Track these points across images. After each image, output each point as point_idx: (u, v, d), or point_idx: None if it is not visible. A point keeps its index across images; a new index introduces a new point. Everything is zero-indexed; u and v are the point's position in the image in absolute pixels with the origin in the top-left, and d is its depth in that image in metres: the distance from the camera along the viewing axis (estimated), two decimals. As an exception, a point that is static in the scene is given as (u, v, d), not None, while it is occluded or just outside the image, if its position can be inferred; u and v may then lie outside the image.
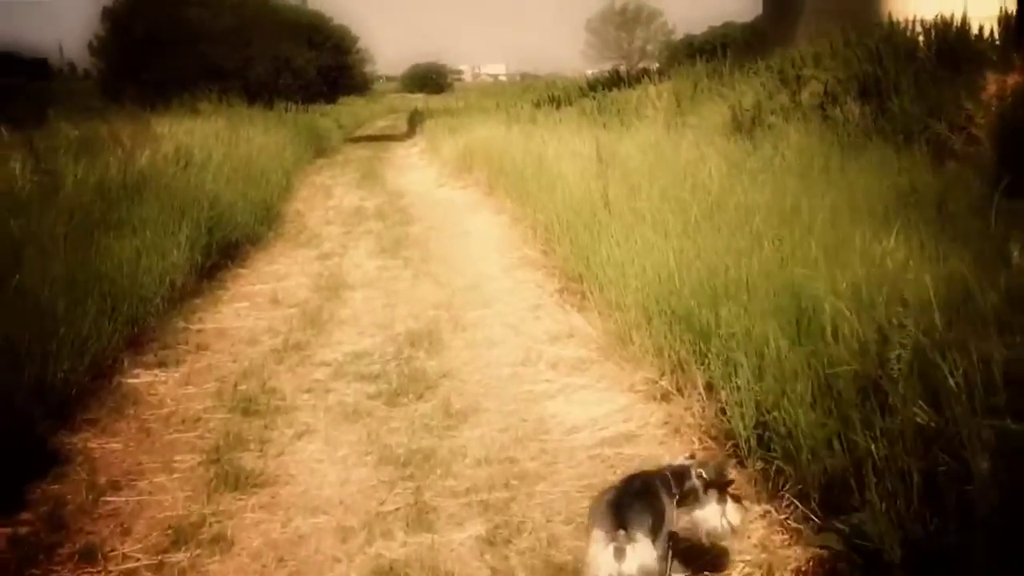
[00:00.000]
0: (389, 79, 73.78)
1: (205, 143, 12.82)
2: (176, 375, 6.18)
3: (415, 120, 28.48)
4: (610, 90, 22.66)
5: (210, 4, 36.29)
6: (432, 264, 9.33)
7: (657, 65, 59.06)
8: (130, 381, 6.03)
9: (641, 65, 57.74)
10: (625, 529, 2.75)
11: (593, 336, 6.36)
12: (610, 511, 2.83)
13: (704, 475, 3.14)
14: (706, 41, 65.44)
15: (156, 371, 6.25)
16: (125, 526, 4.04)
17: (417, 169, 18.81)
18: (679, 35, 60.39)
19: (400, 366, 6.17)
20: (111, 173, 9.10)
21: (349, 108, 39.96)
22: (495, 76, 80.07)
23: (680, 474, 3.14)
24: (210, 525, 4.00)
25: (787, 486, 3.72)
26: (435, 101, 43.42)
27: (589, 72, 65.52)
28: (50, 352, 5.28)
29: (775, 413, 3.86)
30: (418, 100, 53.61)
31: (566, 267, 7.76)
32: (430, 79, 70.28)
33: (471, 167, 15.43)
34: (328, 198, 15.10)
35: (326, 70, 40.41)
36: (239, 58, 34.86)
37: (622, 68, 61.94)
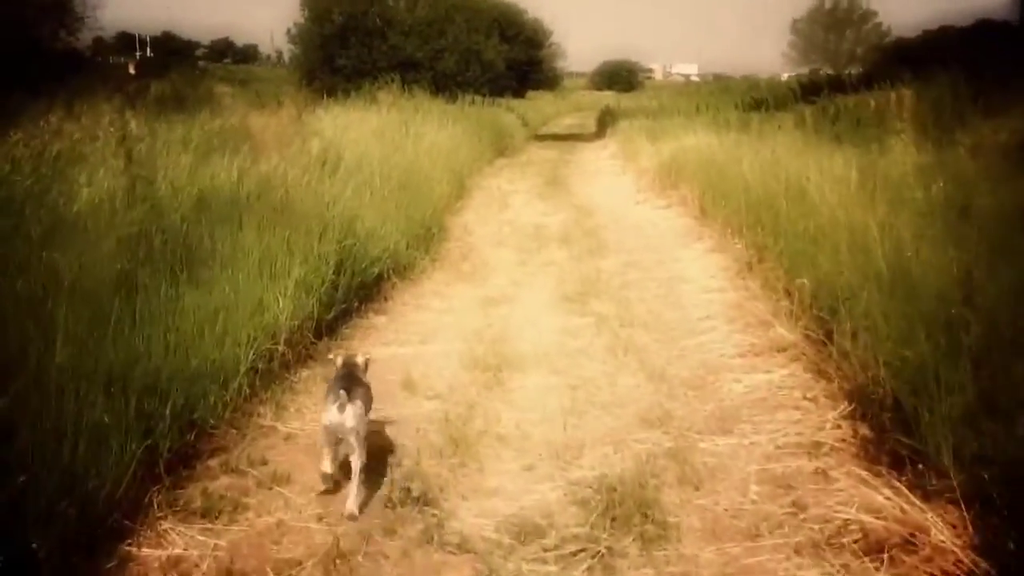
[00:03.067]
0: (578, 75, 71.02)
1: (362, 141, 10.36)
2: (223, 544, 3.55)
3: (605, 120, 25.51)
4: (830, 95, 18.96)
5: (407, -4, 34.82)
6: (636, 331, 6.38)
7: (860, 70, 53.64)
8: (147, 553, 3.46)
9: (848, 70, 52.41)
10: (348, 395, 3.85)
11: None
12: (338, 386, 3.94)
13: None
14: (919, 47, 59.26)
15: (195, 531, 3.65)
16: None
17: (608, 177, 15.83)
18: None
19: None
20: (218, 182, 6.66)
21: (536, 103, 37.46)
22: (686, 76, 75.65)
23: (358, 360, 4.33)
24: None
25: None
26: (625, 100, 40.22)
27: (785, 75, 60.49)
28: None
29: None
30: (607, 98, 50.61)
31: (867, 382, 4.58)
32: (620, 76, 66.89)
33: (675, 182, 12.35)
34: (504, 209, 12.40)
35: (516, 64, 38.21)
36: (430, 49, 33.23)
37: (823, 72, 56.84)
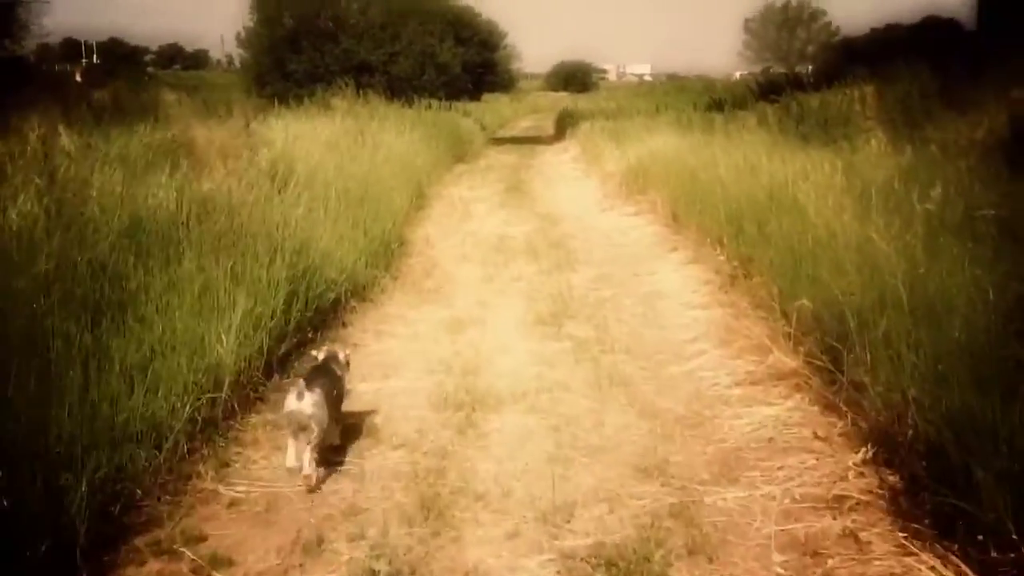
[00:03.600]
0: (533, 76, 70.51)
1: (316, 151, 9.68)
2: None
3: (564, 122, 24.97)
4: (791, 93, 18.64)
5: (360, -2, 34.06)
6: (618, 358, 5.80)
7: (811, 67, 53.87)
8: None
9: (799, 68, 52.54)
10: (307, 385, 4.06)
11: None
12: (302, 378, 4.19)
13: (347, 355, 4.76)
14: (866, 45, 59.68)
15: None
16: None
17: (572, 182, 15.27)
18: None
19: None
20: (155, 203, 5.95)
21: (493, 106, 36.88)
22: (640, 76, 75.51)
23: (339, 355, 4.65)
24: None
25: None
26: (582, 101, 39.78)
27: (737, 74, 60.53)
28: None
29: None
30: (564, 99, 50.18)
31: (891, 421, 4.03)
32: (575, 77, 66.50)
33: (643, 187, 11.83)
34: (466, 219, 11.77)
35: (472, 66, 37.54)
36: (384, 53, 32.50)
37: (773, 70, 56.94)
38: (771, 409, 4.74)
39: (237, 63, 39.59)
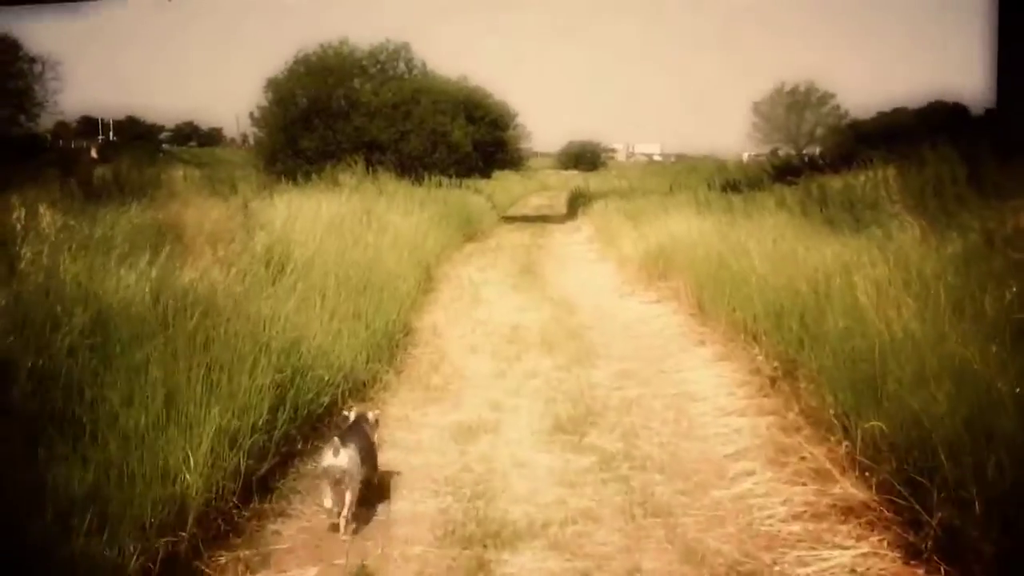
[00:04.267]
0: (543, 155, 70.81)
1: (318, 233, 9.03)
2: None
3: (577, 201, 24.48)
4: (809, 176, 18.10)
5: (373, 78, 34.15)
6: (651, 477, 5.00)
7: (819, 150, 53.82)
8: None
9: (807, 150, 52.42)
10: (342, 442, 4.28)
11: None
12: (336, 436, 4.40)
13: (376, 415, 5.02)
14: (874, 128, 59.72)
15: None
16: None
17: (587, 265, 14.59)
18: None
19: None
20: (128, 295, 5.23)
21: (503, 183, 36.59)
22: (649, 155, 75.78)
23: (374, 417, 4.94)
24: None
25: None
26: (593, 179, 39.52)
27: (746, 155, 60.51)
28: None
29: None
30: (574, 177, 50.06)
31: None
32: (584, 156, 66.67)
33: (664, 272, 11.14)
34: (476, 304, 11.05)
35: (482, 145, 37.50)
36: (396, 131, 32.40)
37: (781, 151, 56.96)
38: (843, 554, 3.91)
39: (251, 141, 39.54)
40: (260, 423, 4.72)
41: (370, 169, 22.50)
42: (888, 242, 8.55)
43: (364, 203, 12.79)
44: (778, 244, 9.15)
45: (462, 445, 5.71)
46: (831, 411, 4.98)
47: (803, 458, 4.92)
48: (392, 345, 7.89)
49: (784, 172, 22.38)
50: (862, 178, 16.37)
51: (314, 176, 21.45)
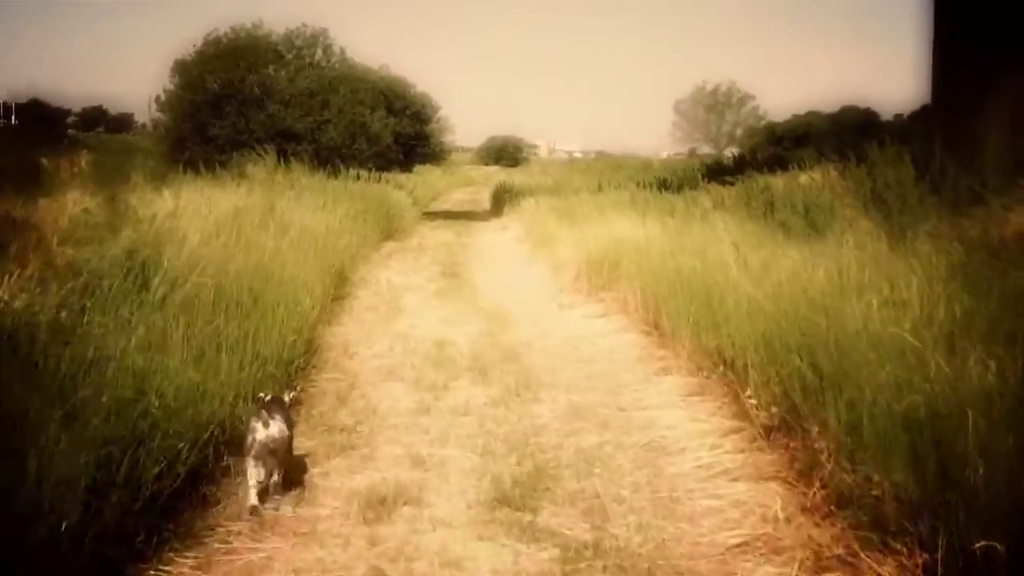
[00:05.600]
0: (464, 150, 69.08)
1: (207, 232, 7.31)
2: None
3: (502, 197, 22.95)
4: (748, 175, 17.01)
5: (288, 65, 32.00)
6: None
7: (736, 151, 53.66)
8: None
9: (728, 151, 52.05)
10: (269, 414, 4.29)
11: None
12: (261, 409, 4.36)
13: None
14: (789, 129, 59.90)
15: None
16: None
17: (518, 268, 13.07)
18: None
19: None
20: None
21: (425, 178, 34.90)
22: (570, 153, 74.75)
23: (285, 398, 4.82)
24: None
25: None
26: (517, 175, 38.06)
27: (664, 154, 60.06)
28: None
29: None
30: (497, 173, 48.58)
31: None
32: (507, 152, 65.04)
33: (609, 279, 9.72)
34: (394, 316, 9.46)
35: (404, 137, 35.70)
36: (312, 120, 30.41)
37: (699, 150, 56.57)
38: None
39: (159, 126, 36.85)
40: (71, 516, 3.09)
41: (284, 160, 20.66)
42: (860, 251, 7.32)
43: (269, 198, 11.04)
44: (747, 251, 7.82)
45: (372, 527, 4.15)
46: (879, 490, 3.59)
47: (842, 561, 3.51)
48: (289, 373, 6.25)
49: (717, 171, 21.33)
50: (803, 179, 15.39)
51: (220, 167, 19.41)
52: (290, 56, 32.47)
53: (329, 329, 8.52)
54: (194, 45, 31.22)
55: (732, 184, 17.25)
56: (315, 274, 8.63)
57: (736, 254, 7.74)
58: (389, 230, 16.85)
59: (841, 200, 12.57)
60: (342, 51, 33.58)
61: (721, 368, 6.00)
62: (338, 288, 10.26)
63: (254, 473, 4.24)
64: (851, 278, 5.82)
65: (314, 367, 7.08)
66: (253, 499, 4.21)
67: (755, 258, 7.19)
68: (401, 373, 7.08)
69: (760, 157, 22.38)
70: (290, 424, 4.57)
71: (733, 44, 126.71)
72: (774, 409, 4.97)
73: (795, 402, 4.84)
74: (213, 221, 8.03)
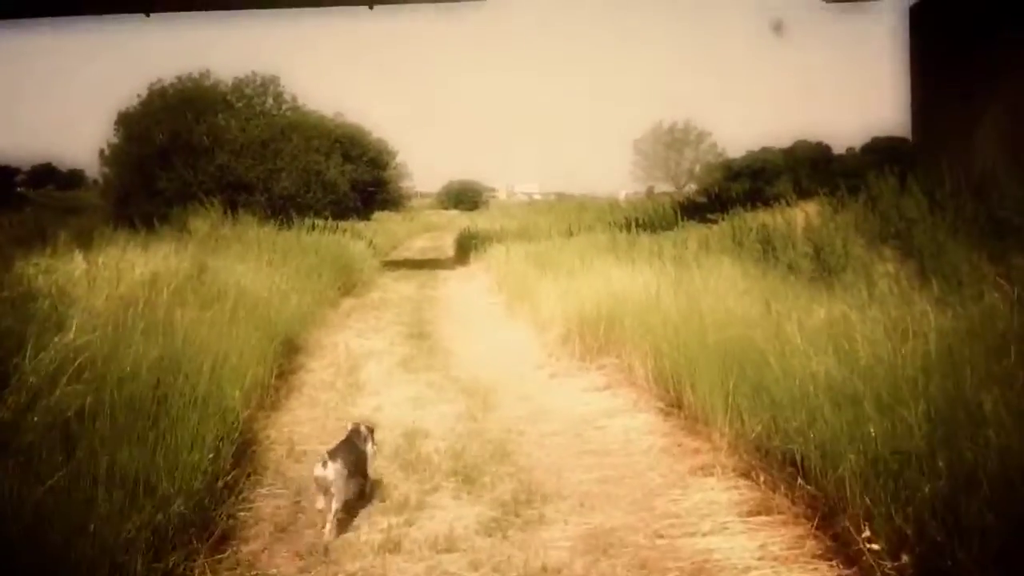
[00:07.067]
0: (423, 195, 67.54)
1: (84, 314, 5.54)
2: None
3: (467, 243, 21.33)
4: (734, 213, 15.64)
5: (239, 113, 30.33)
6: None
7: (693, 187, 52.76)
8: None
9: (687, 187, 51.11)
10: (330, 457, 4.67)
11: None
12: (326, 451, 4.79)
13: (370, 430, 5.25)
14: (745, 165, 59.38)
15: None
16: None
17: (494, 327, 11.31)
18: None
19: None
20: None
21: (384, 225, 33.30)
22: (530, 194, 73.45)
23: (367, 429, 5.21)
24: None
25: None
26: (479, 219, 36.50)
27: (623, 193, 59.01)
28: None
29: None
30: (458, 217, 47.07)
31: None
32: (466, 195, 63.51)
33: (607, 342, 8.09)
34: (354, 395, 7.72)
35: (361, 184, 34.15)
36: (264, 169, 28.73)
37: (657, 189, 55.58)
38: None
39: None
40: None
41: (234, 212, 18.92)
42: (908, 305, 5.86)
43: (200, 258, 9.27)
44: (778, 306, 6.27)
45: None
46: None
47: None
48: (204, 507, 4.49)
49: (694, 209, 19.96)
50: (794, 214, 14.04)
51: (159, 221, 17.56)
52: (240, 104, 30.87)
53: (272, 420, 6.77)
54: (138, 96, 29.54)
55: (714, 222, 15.90)
56: (253, 351, 6.87)
57: (768, 312, 6.21)
58: (347, 284, 15.08)
59: (851, 238, 11.19)
60: (294, 98, 32.09)
61: (789, 472, 4.37)
62: (287, 361, 8.52)
63: (319, 501, 4.71)
64: (931, 343, 4.29)
65: (249, 479, 5.33)
66: (320, 504, 4.70)
67: (823, 317, 5.65)
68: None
69: (737, 193, 20.99)
70: (359, 461, 4.99)
71: (683, 80, 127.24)
72: (905, 558, 3.33)
73: (937, 540, 3.24)
74: (117, 295, 6.26)
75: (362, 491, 5.02)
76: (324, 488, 4.65)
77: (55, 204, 41.10)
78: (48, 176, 74.16)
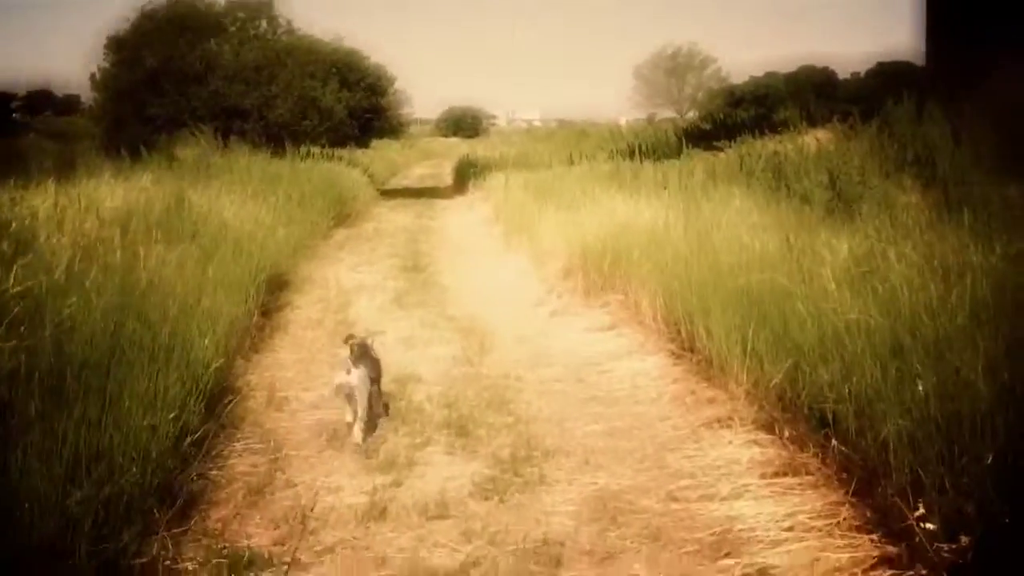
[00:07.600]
0: (423, 122, 66.17)
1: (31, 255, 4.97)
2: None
3: (466, 172, 20.59)
4: (741, 140, 14.94)
5: (232, 37, 29.15)
6: None
7: (696, 114, 51.37)
8: None
9: (690, 114, 49.80)
10: (353, 364, 4.80)
11: None
12: (349, 359, 4.87)
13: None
14: (749, 91, 57.88)
15: None
16: None
17: (491, 259, 10.77)
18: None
19: None
20: None
21: (382, 153, 32.41)
22: (530, 121, 71.94)
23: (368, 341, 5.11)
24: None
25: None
26: (479, 147, 35.58)
27: (623, 119, 57.72)
28: None
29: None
30: (457, 145, 46.04)
31: None
32: (466, 123, 62.11)
33: (612, 277, 7.54)
34: (343, 334, 7.22)
35: (359, 111, 33.08)
36: (259, 96, 27.72)
37: (658, 116, 54.25)
38: None
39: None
40: None
41: (226, 139, 18.19)
42: (920, 234, 5.33)
43: (181, 188, 8.66)
44: (800, 243, 5.70)
45: None
46: None
47: None
48: (165, 470, 3.99)
49: (700, 136, 19.17)
50: (807, 140, 13.33)
51: (147, 149, 16.83)
52: (233, 28, 29.66)
53: (253, 363, 6.27)
54: (128, 19, 28.36)
55: (720, 150, 15.18)
56: (231, 290, 6.33)
57: (788, 247, 5.66)
58: (341, 215, 14.47)
59: (868, 167, 10.54)
60: (289, 22, 30.79)
61: (818, 429, 3.86)
62: (272, 298, 8.00)
63: (348, 413, 4.86)
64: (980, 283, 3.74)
65: (222, 433, 4.84)
66: (349, 417, 4.84)
67: (817, 250, 5.10)
68: (346, 436, 4.88)
69: (743, 119, 20.16)
70: (376, 366, 5.04)
71: (689, 5, 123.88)
72: (964, 539, 2.84)
73: (1002, 518, 2.74)
74: (82, 231, 5.68)
75: (385, 405, 5.14)
76: (349, 395, 4.81)
77: (52, 131, 40.15)
78: (45, 101, 72.76)
